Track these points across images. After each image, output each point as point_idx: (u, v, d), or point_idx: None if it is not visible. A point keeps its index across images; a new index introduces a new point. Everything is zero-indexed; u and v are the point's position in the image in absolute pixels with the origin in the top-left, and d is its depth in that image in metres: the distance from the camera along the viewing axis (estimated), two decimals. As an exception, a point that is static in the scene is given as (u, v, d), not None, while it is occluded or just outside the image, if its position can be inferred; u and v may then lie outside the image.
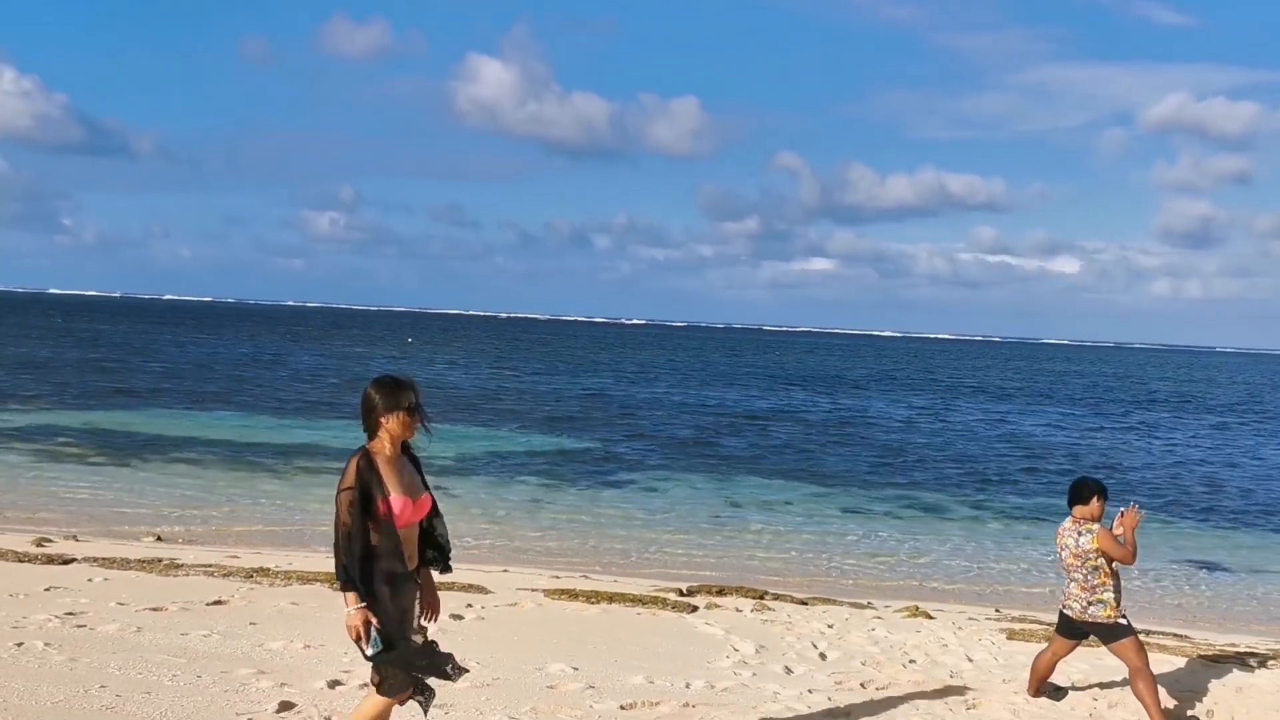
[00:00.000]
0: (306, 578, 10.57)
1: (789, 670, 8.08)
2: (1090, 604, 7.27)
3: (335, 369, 50.94)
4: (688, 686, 7.28)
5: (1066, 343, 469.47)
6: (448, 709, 6.17)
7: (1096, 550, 7.21)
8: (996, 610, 12.21)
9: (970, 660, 8.94)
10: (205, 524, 15.08)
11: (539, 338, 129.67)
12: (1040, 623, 11.13)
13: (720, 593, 11.67)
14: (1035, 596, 13.81)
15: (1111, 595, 7.25)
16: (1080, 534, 7.30)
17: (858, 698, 7.31)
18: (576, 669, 7.49)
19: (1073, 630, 7.47)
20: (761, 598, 11.52)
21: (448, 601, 9.92)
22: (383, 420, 4.66)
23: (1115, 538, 7.25)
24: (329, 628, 8.32)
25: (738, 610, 10.60)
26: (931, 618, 11.05)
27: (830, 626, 10.04)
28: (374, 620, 4.54)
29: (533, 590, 10.85)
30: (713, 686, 7.32)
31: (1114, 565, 7.29)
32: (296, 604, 9.26)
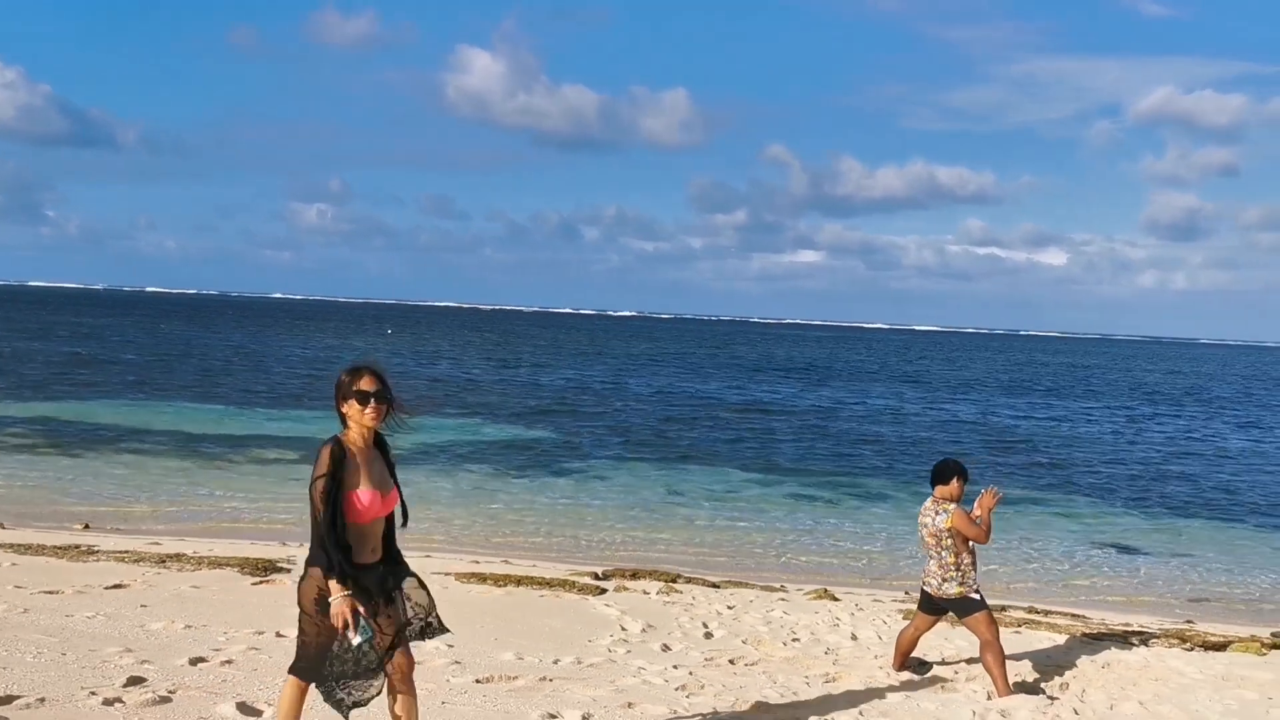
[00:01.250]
0: (219, 563, 10.74)
1: (666, 648, 8.29)
2: (945, 580, 7.50)
3: (307, 360, 51.01)
4: (555, 662, 7.48)
5: (1054, 334, 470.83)
6: (299, 683, 6.37)
7: (951, 529, 7.43)
8: (905, 593, 12.43)
9: (854, 638, 9.17)
10: (140, 513, 15.23)
11: (524, 330, 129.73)
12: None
13: (634, 576, 11.88)
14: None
15: (964, 572, 7.47)
16: (937, 513, 7.52)
17: (720, 673, 7.52)
18: (450, 646, 7.69)
19: (932, 606, 7.70)
20: (674, 581, 11.73)
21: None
22: (344, 407, 4.63)
23: (971, 518, 7.47)
24: (219, 609, 8.52)
25: (644, 593, 10.81)
26: (837, 599, 11.27)
27: (730, 607, 10.25)
28: (361, 608, 4.47)
29: (445, 574, 11.03)
30: (580, 662, 7.53)
31: (970, 543, 7.51)
32: (198, 588, 9.43)
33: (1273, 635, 10.84)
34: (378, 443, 4.74)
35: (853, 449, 27.47)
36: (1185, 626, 11.09)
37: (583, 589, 10.68)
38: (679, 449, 25.69)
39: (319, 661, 4.61)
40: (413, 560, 12.07)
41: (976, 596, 7.49)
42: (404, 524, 4.79)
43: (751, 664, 7.92)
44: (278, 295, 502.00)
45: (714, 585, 11.74)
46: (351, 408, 4.60)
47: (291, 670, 4.72)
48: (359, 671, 4.62)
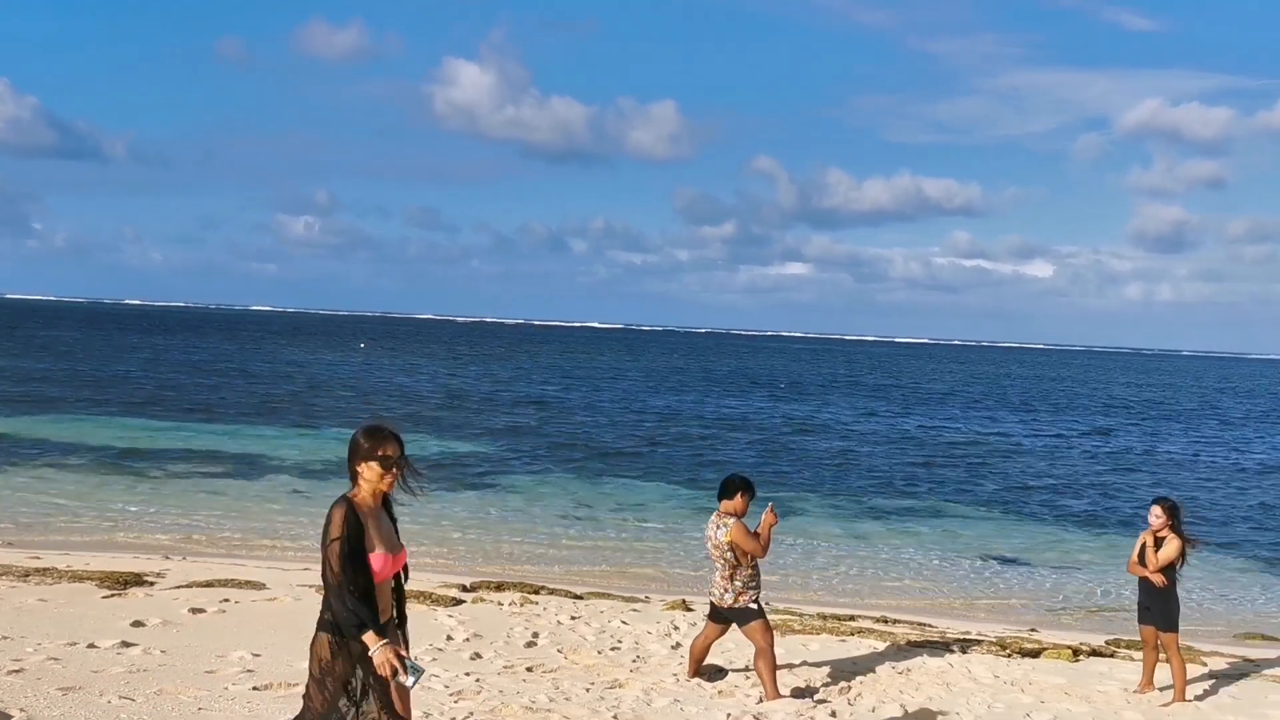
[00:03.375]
0: (82, 576, 11.02)
1: (477, 656, 8.62)
2: (726, 590, 7.84)
3: (268, 375, 51.15)
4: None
5: (1040, 346, 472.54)
6: (70, 692, 6.69)
7: (730, 543, 7.77)
8: (766, 603, 12.72)
9: (676, 647, 9.48)
10: (40, 528, 15.48)
11: (504, 342, 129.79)
12: (796, 614, 11.72)
13: (499, 588, 12.20)
14: (834, 593, 14.40)
15: (743, 583, 7.81)
16: (719, 527, 7.87)
17: (508, 680, 7.85)
18: (257, 655, 8.01)
19: (718, 615, 8.03)
20: (536, 592, 12.05)
21: (213, 594, 10.47)
22: (360, 468, 4.60)
23: (749, 533, 7.80)
24: (51, 621, 8.82)
25: (499, 604, 11.12)
26: (690, 610, 11.57)
27: (574, 617, 10.57)
28: (404, 651, 4.53)
29: (307, 586, 11.35)
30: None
31: (749, 556, 7.85)
32: (44, 601, 9.72)
33: (1107, 643, 11.24)
34: (384, 502, 4.75)
35: (784, 463, 27.82)
36: (1024, 634, 11.44)
37: (438, 600, 11.00)
38: (606, 460, 26.03)
39: None
40: (275, 573, 12.38)
41: (754, 606, 7.83)
42: (405, 578, 4.83)
43: (550, 671, 8.25)
44: (257, 307, 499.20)
45: (576, 596, 12.06)
46: (371, 470, 4.58)
47: None
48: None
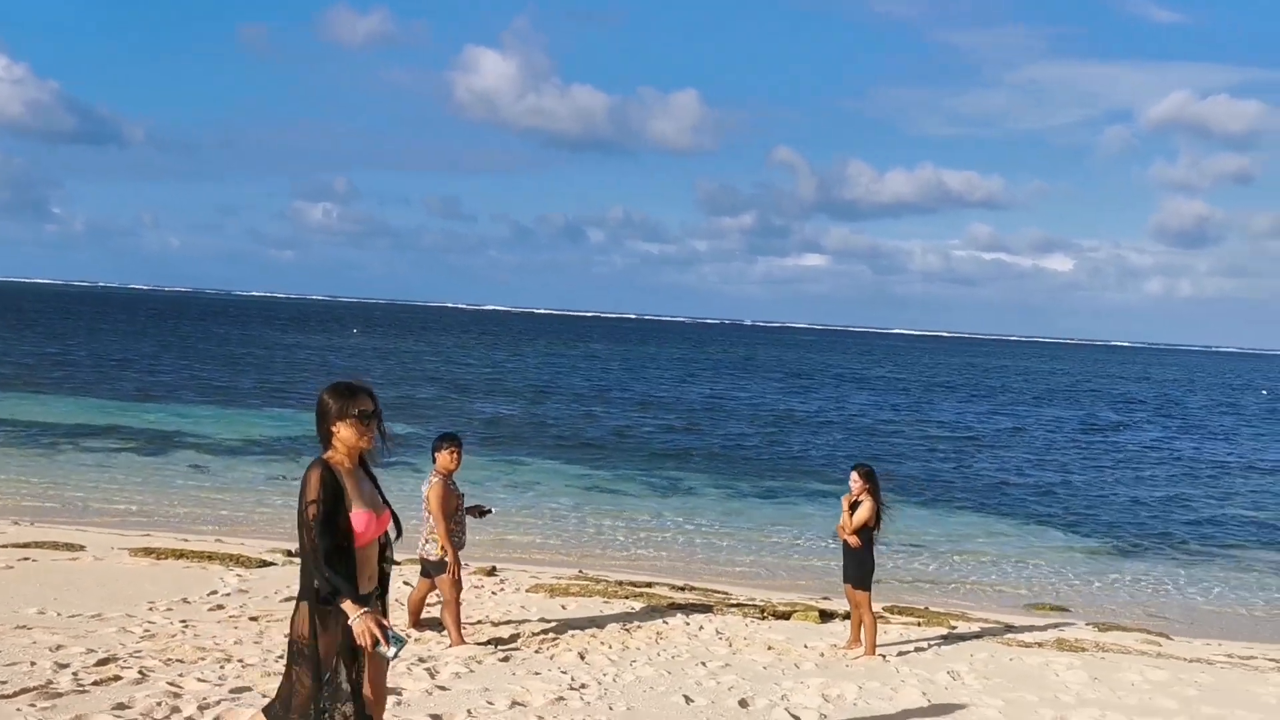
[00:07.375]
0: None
1: (220, 608, 9.09)
2: (427, 542, 8.32)
3: (242, 359, 51.81)
4: (73, 617, 8.28)
5: (1063, 340, 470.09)
6: None
7: (427, 499, 8.25)
8: (579, 571, 13.18)
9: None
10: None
11: (507, 332, 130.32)
12: (599, 580, 12.15)
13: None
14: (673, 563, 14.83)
15: (441, 537, 8.27)
16: (425, 482, 8.34)
17: (222, 628, 8.33)
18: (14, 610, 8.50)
19: (424, 568, 8.50)
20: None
21: (19, 553, 10.97)
22: (334, 428, 4.43)
23: (444, 495, 8.24)
24: None
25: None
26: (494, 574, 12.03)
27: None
28: (385, 620, 4.38)
29: (122, 549, 11.81)
30: (99, 617, 8.32)
31: (457, 512, 8.33)
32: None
33: (883, 609, 11.63)
34: (361, 461, 4.57)
35: (733, 450, 28.24)
36: (809, 601, 11.84)
37: (246, 563, 11.37)
38: (572, 443, 26.68)
39: (310, 703, 4.36)
40: (100, 536, 12.77)
41: (449, 560, 8.27)
42: (398, 536, 4.68)
43: (277, 620, 8.71)
44: (256, 294, 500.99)
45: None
46: (349, 429, 4.41)
47: (268, 713, 4.45)
48: (342, 696, 4.41)
